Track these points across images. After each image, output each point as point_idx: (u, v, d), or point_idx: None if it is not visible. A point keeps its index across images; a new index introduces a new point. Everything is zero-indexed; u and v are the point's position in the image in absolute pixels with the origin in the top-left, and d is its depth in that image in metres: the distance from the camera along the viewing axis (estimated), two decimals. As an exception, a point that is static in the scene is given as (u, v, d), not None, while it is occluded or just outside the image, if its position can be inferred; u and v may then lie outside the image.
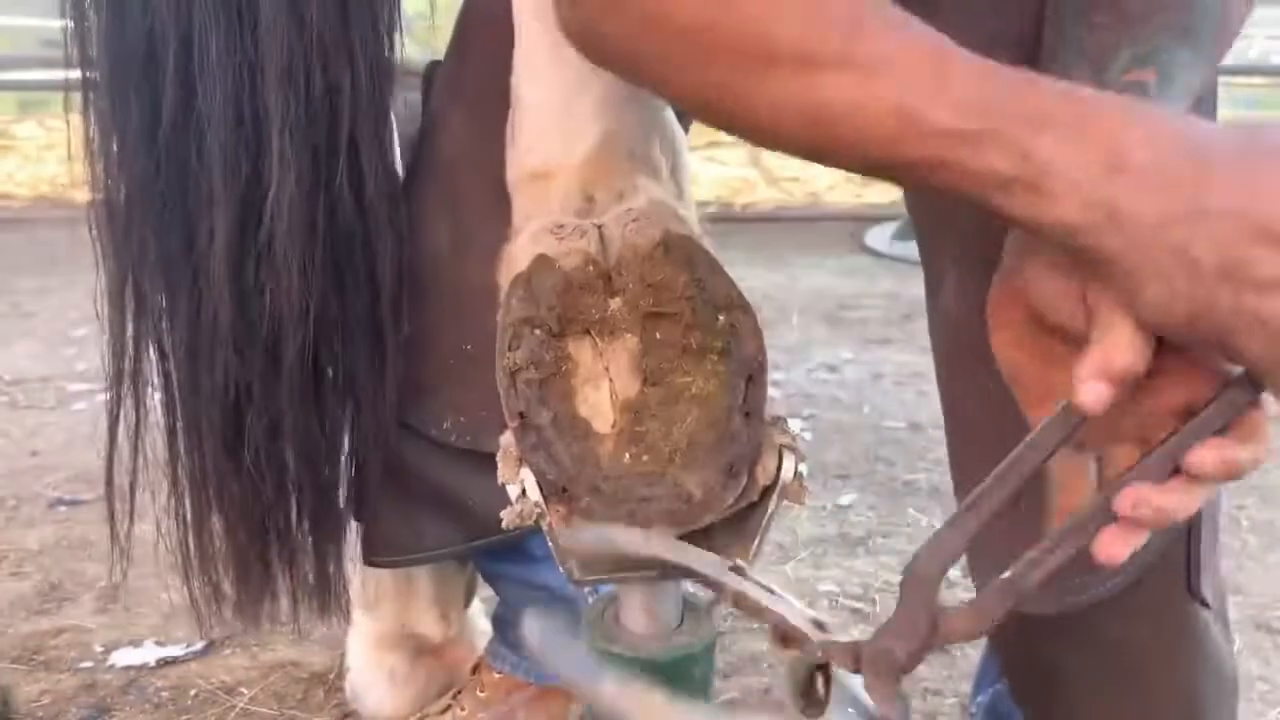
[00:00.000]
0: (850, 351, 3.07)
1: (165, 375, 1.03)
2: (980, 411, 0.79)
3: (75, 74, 0.96)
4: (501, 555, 1.17)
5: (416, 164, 1.10)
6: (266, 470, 1.03)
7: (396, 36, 0.99)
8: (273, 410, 1.01)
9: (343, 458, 1.10)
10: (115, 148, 0.95)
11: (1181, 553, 0.80)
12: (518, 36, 0.89)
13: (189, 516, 1.08)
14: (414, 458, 1.10)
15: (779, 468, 0.72)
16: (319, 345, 1.00)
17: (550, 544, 0.70)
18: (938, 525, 2.14)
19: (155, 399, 1.05)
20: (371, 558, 1.17)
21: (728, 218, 5.04)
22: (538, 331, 0.74)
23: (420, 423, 1.08)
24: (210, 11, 0.89)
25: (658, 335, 0.76)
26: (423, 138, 1.09)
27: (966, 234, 0.76)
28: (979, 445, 0.80)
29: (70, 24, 0.95)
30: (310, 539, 1.11)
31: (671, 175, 0.85)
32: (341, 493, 1.12)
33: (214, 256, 0.94)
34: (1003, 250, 0.67)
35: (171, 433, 1.05)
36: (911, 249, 4.32)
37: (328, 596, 1.15)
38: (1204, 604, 0.82)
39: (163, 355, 1.03)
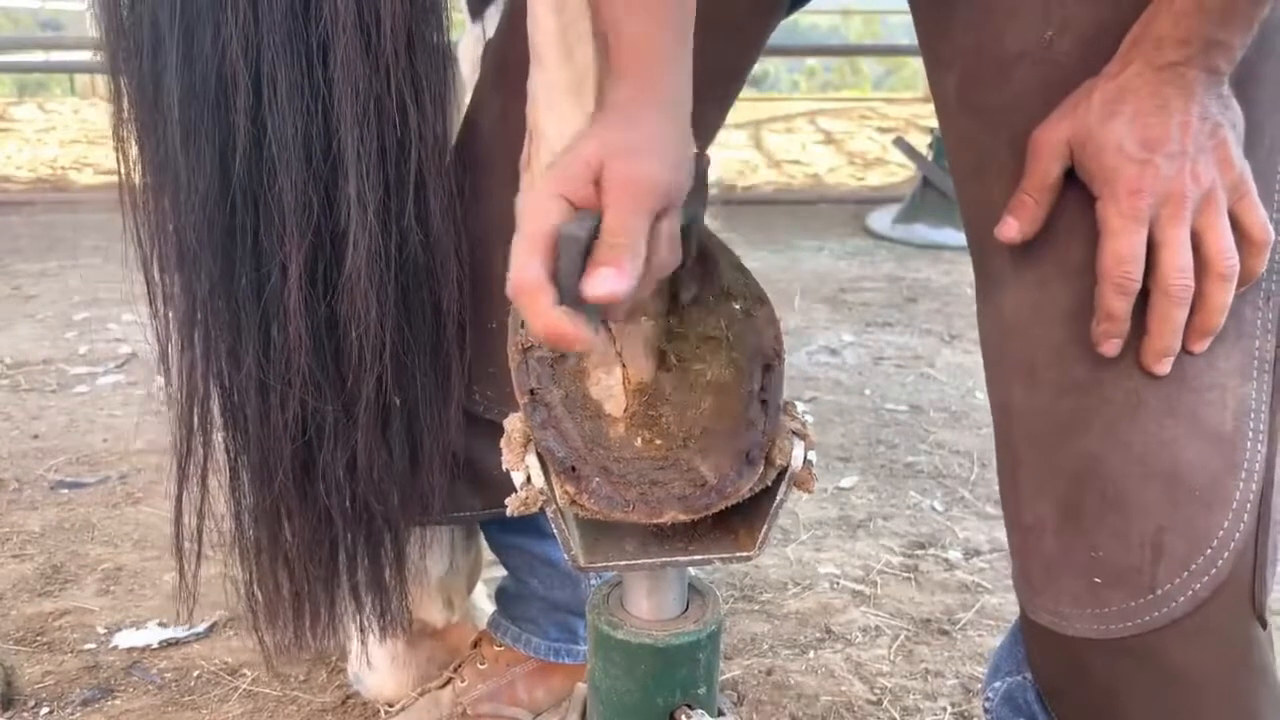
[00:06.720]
0: (851, 334, 3.07)
1: (230, 413, 1.02)
2: (1037, 417, 0.79)
3: (124, 109, 0.95)
4: (514, 527, 1.18)
5: (459, 145, 1.10)
6: (336, 502, 1.03)
7: (451, 65, 0.99)
8: (348, 444, 1.01)
9: (409, 486, 1.10)
10: (184, 185, 0.94)
11: (1248, 570, 0.76)
12: (535, 67, 0.89)
13: (254, 551, 1.08)
14: None
15: (790, 453, 0.71)
16: (392, 377, 1.00)
17: (555, 531, 0.69)
18: (939, 507, 2.13)
19: (218, 438, 1.04)
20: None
21: (729, 200, 5.03)
22: None
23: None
24: (280, 50, 0.89)
25: (674, 320, 0.76)
26: (467, 117, 1.10)
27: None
28: (1039, 452, 0.79)
29: (117, 64, 0.94)
30: (379, 568, 1.12)
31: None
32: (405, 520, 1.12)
33: (288, 293, 0.94)
34: (1064, 255, 0.74)
35: (235, 470, 1.04)
36: (913, 232, 4.35)
37: (389, 620, 1.16)
38: (1263, 623, 0.78)
39: (226, 392, 1.01)
